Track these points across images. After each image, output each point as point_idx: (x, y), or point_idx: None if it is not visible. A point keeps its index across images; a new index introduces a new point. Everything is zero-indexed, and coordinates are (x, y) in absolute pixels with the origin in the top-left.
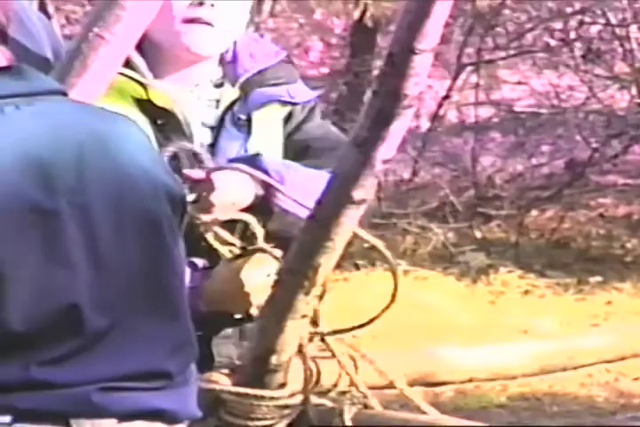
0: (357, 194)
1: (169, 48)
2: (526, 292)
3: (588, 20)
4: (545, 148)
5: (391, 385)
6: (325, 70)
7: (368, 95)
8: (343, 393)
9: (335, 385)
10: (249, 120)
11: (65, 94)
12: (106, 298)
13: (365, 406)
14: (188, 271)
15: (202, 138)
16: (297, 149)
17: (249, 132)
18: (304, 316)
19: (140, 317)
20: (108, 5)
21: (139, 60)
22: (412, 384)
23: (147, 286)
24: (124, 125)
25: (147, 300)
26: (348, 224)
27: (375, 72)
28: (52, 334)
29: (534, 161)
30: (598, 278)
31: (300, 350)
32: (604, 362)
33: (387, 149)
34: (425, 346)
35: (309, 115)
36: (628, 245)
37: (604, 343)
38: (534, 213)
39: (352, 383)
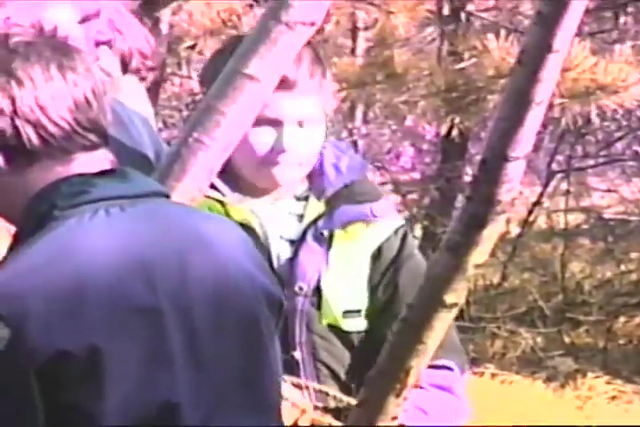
0: (449, 298)
1: (251, 178)
2: (613, 397)
3: None
4: (634, 254)
5: None
6: (417, 176)
7: (460, 200)
8: None
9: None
10: (331, 236)
11: (168, 196)
12: (202, 396)
13: None
14: None
15: (280, 251)
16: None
17: (329, 247)
18: (394, 418)
19: (232, 415)
20: (207, 111)
21: (215, 180)
22: None
23: (242, 385)
24: (225, 227)
25: (241, 398)
26: (440, 327)
27: (466, 178)
28: None
29: (623, 267)
30: None
31: None
32: None
33: (479, 253)
34: None
35: (402, 244)
36: None
37: None
38: (622, 319)
39: None
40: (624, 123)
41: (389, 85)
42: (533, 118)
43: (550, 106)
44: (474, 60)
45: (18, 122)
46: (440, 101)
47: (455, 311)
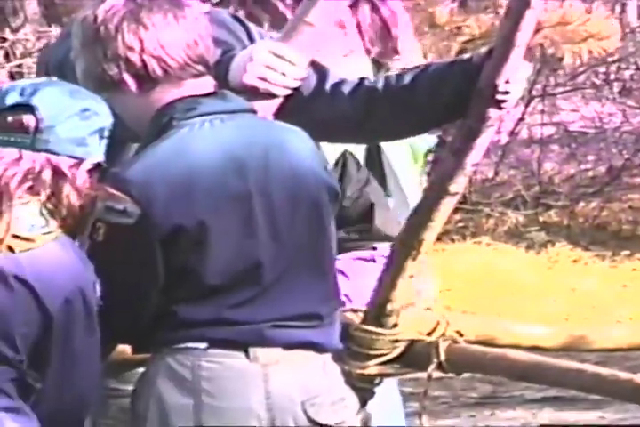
0: (452, 188)
1: None
2: (575, 261)
3: (623, 66)
4: (590, 157)
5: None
6: None
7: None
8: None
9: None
10: None
11: (255, 112)
12: (279, 259)
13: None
14: None
15: None
16: None
17: None
18: (411, 276)
19: (302, 274)
20: None
21: None
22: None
23: (308, 252)
24: (297, 134)
25: (307, 262)
26: (445, 210)
27: None
28: (239, 284)
29: (582, 167)
30: (627, 252)
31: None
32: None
33: (475, 156)
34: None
35: None
36: None
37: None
38: (582, 204)
39: (444, 331)
40: (585, 60)
41: None
42: (515, 57)
43: (529, 49)
44: None
45: (144, 56)
46: None
47: (457, 198)
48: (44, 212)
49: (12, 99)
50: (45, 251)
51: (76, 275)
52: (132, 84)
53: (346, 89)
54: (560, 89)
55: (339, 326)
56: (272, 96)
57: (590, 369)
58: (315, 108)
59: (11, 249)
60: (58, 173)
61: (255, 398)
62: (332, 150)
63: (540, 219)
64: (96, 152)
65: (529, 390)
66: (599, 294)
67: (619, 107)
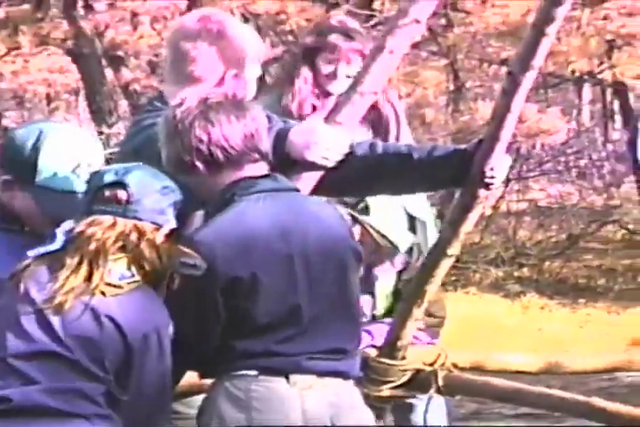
0: (450, 251)
1: None
2: (542, 307)
3: (579, 156)
4: (554, 226)
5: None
6: None
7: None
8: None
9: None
10: None
11: (298, 190)
12: (314, 305)
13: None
14: None
15: None
16: None
17: None
18: (417, 319)
19: (332, 317)
20: None
21: None
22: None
23: (337, 300)
24: (329, 208)
25: (336, 308)
26: (444, 268)
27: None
28: (283, 324)
29: (548, 234)
30: (583, 300)
31: None
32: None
33: (467, 225)
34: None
35: None
36: None
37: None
38: (547, 263)
39: (443, 362)
40: (550, 153)
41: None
42: (499, 150)
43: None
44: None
45: (211, 147)
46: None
47: (453, 258)
48: (131, 266)
49: (109, 178)
50: (130, 296)
51: (153, 317)
52: (202, 168)
53: (360, 150)
54: (531, 174)
55: (359, 359)
56: (322, 168)
57: (557, 394)
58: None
59: (103, 293)
60: (143, 236)
61: (293, 415)
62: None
63: (515, 274)
64: (172, 220)
65: (505, 408)
66: (561, 334)
67: (576, 187)
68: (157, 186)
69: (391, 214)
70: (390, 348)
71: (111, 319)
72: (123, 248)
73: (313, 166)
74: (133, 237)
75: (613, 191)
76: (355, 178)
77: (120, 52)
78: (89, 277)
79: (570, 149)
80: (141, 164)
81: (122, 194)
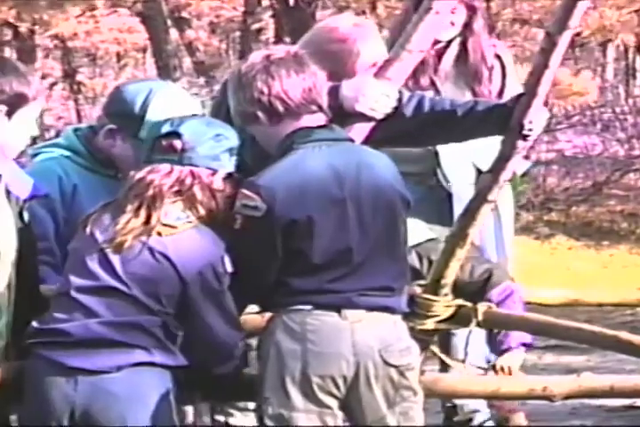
0: (490, 197)
1: None
2: (569, 248)
3: (603, 110)
4: (580, 175)
5: None
6: None
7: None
8: None
9: None
10: None
11: (352, 140)
12: (364, 246)
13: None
14: None
15: None
16: None
17: None
18: (459, 259)
19: (380, 257)
20: None
21: None
22: None
23: (385, 242)
24: (380, 157)
25: (384, 249)
26: (485, 212)
27: None
28: (335, 263)
29: (575, 182)
30: (606, 242)
31: None
32: None
33: (506, 174)
34: None
35: None
36: None
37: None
38: (574, 208)
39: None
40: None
41: None
42: (537, 104)
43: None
44: None
45: (271, 98)
46: None
47: (493, 204)
48: (187, 208)
49: (165, 128)
50: (185, 236)
51: (207, 254)
52: (263, 118)
53: (409, 111)
54: (559, 126)
55: (406, 295)
56: (372, 119)
57: (587, 328)
58: (395, 126)
59: (159, 234)
60: (198, 180)
61: (345, 346)
62: None
63: (545, 218)
64: (227, 165)
65: (536, 339)
66: (586, 272)
67: (601, 139)
68: (211, 134)
69: (461, 168)
70: (434, 285)
71: (165, 257)
72: (179, 192)
73: (363, 118)
74: (188, 181)
75: (635, 142)
76: (405, 131)
77: (184, 14)
78: (147, 220)
79: (595, 104)
80: (195, 114)
81: (177, 143)
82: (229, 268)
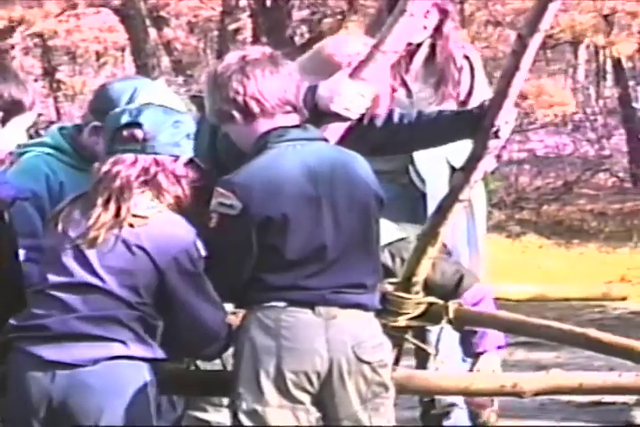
0: (462, 196)
1: None
2: (540, 246)
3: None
4: (552, 174)
5: None
6: None
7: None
8: None
9: None
10: None
11: (327, 140)
12: (338, 243)
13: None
14: None
15: None
16: None
17: None
18: (430, 257)
19: (354, 254)
20: None
21: None
22: None
23: (359, 239)
24: (354, 156)
25: (358, 246)
26: (456, 211)
27: None
28: (310, 260)
29: (546, 181)
30: (577, 241)
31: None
32: None
33: (478, 174)
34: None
35: None
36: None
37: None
38: (545, 207)
39: None
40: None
41: None
42: (508, 105)
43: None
44: None
45: (246, 98)
46: None
47: (465, 203)
48: (156, 197)
49: (124, 119)
50: (156, 224)
51: (179, 239)
52: (238, 117)
53: (379, 122)
54: (531, 126)
55: (379, 293)
56: (347, 119)
57: (556, 325)
58: (367, 137)
59: (131, 225)
60: (163, 169)
61: (318, 343)
62: None
63: (516, 216)
64: (188, 151)
65: (507, 337)
66: (557, 270)
67: (571, 139)
68: (170, 121)
69: (435, 166)
70: (406, 283)
71: (141, 248)
72: (145, 182)
73: (338, 117)
74: (153, 170)
75: (605, 143)
76: (376, 142)
77: (163, 13)
78: (117, 212)
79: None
80: (151, 103)
81: (138, 133)
82: (203, 252)
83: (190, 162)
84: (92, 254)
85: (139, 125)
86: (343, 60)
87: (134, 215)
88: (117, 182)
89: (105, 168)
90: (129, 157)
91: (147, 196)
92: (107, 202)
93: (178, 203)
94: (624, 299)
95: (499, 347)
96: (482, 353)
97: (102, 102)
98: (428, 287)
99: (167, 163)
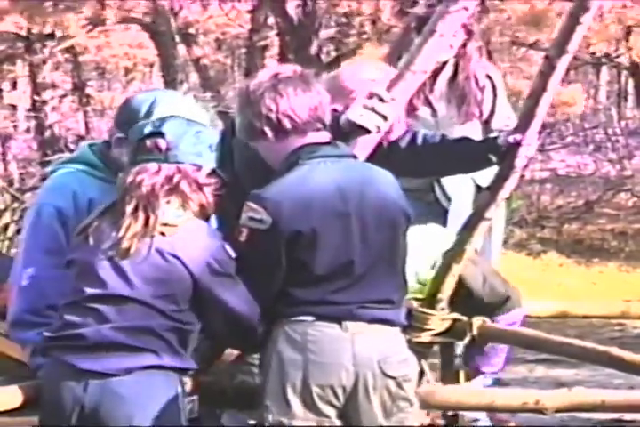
0: (487, 214)
1: None
2: (560, 265)
3: (595, 131)
4: (573, 193)
5: None
6: None
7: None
8: None
9: None
10: None
11: (355, 157)
12: (366, 259)
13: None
14: None
15: None
16: None
17: None
18: (454, 275)
19: (381, 270)
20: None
21: None
22: None
23: (386, 255)
24: (383, 173)
25: (386, 262)
26: (482, 230)
27: None
28: (338, 275)
29: (567, 200)
30: (597, 259)
31: None
32: None
33: (504, 192)
34: None
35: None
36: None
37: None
38: (566, 226)
39: None
40: (570, 128)
41: None
42: (535, 126)
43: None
44: None
45: (279, 115)
46: None
47: (490, 221)
48: (182, 205)
49: (147, 129)
50: (185, 232)
51: (209, 244)
52: (270, 134)
53: (403, 144)
54: (553, 146)
55: (404, 309)
56: (367, 131)
57: (577, 343)
58: (390, 158)
59: (163, 234)
60: (186, 176)
61: (345, 357)
62: None
63: (537, 235)
64: (210, 161)
65: (527, 353)
66: (577, 288)
67: (593, 159)
68: (191, 131)
69: (460, 184)
70: (431, 299)
71: (175, 257)
72: (170, 191)
73: (357, 130)
74: (176, 178)
75: (626, 163)
76: (399, 163)
77: (192, 30)
78: (147, 222)
79: (588, 125)
80: (174, 115)
81: (161, 143)
82: (232, 253)
83: (212, 172)
84: (125, 265)
85: (161, 135)
86: (357, 88)
87: (164, 224)
88: (143, 191)
89: (130, 178)
90: (152, 166)
91: (173, 204)
92: (135, 211)
93: (202, 211)
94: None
95: (493, 372)
96: (478, 374)
97: (124, 114)
98: (473, 299)
99: (190, 171)
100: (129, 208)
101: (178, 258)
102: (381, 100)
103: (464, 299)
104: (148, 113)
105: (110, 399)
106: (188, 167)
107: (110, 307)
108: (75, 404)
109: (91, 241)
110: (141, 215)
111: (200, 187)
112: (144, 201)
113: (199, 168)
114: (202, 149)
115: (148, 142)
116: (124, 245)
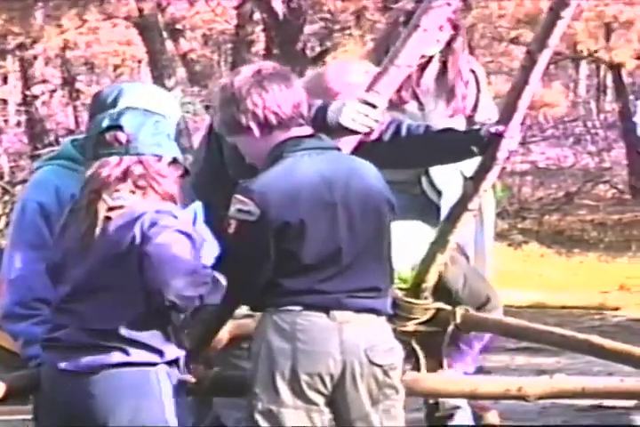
0: (471, 206)
1: None
2: (541, 255)
3: (575, 124)
4: (553, 185)
5: None
6: None
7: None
8: None
9: None
10: None
11: (339, 149)
12: (353, 247)
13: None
14: None
15: None
16: None
17: None
18: (440, 264)
19: (368, 259)
20: None
21: None
22: None
23: (373, 244)
24: (366, 164)
25: (372, 250)
26: (465, 221)
27: None
28: (325, 264)
29: (547, 192)
30: (577, 250)
31: None
32: None
33: (486, 184)
34: None
35: None
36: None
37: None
38: (547, 217)
39: None
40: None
41: None
42: (517, 119)
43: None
44: None
45: (265, 111)
46: None
47: (474, 212)
48: (134, 191)
49: (105, 123)
50: (125, 210)
51: (141, 213)
52: (256, 129)
53: (387, 137)
54: (533, 139)
55: (390, 298)
56: (357, 133)
57: (558, 331)
58: (374, 150)
59: (109, 218)
60: (147, 167)
61: (332, 345)
62: None
63: (519, 226)
64: (170, 150)
65: (509, 342)
66: (557, 279)
67: (572, 151)
68: (150, 122)
69: (449, 177)
70: (415, 289)
71: (126, 231)
72: (125, 180)
73: (346, 132)
74: (138, 170)
75: (605, 155)
76: (383, 155)
77: (179, 26)
78: (97, 212)
79: (567, 118)
80: (130, 106)
81: (121, 136)
82: (181, 214)
83: (174, 162)
84: (88, 259)
85: (120, 128)
86: (342, 91)
87: (110, 208)
88: (98, 183)
89: (90, 171)
90: (114, 159)
91: (124, 190)
92: (89, 204)
93: (167, 201)
94: (617, 309)
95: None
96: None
97: (94, 108)
98: (452, 301)
99: (152, 162)
100: (87, 202)
101: (121, 234)
102: (374, 107)
103: (445, 300)
104: (113, 105)
105: (84, 397)
106: (149, 158)
107: (82, 306)
108: (59, 401)
109: (62, 242)
110: (94, 207)
111: (162, 177)
112: (96, 194)
113: (160, 158)
114: (161, 140)
115: (108, 136)
116: (85, 240)
